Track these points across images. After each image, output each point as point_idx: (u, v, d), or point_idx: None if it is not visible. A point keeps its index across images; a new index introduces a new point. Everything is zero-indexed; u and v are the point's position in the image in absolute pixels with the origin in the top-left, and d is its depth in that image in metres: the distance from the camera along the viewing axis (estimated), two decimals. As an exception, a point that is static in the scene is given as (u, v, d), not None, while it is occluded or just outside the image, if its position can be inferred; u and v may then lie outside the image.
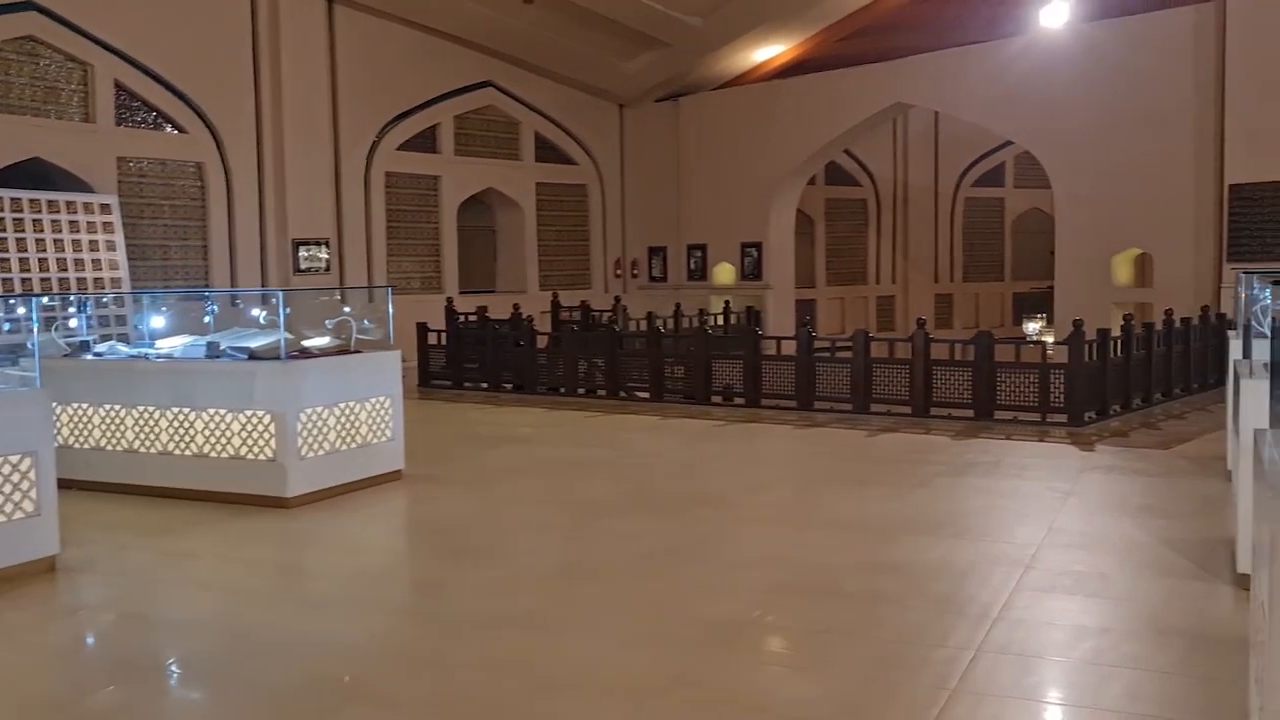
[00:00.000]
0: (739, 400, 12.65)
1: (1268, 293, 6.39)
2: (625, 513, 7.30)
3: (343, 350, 8.14)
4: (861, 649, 4.55)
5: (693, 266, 21.78)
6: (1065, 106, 16.08)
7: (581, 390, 13.93)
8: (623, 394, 13.51)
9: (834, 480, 8.48)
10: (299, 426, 7.46)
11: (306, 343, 8.05)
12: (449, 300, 16.74)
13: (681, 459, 9.66)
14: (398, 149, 19.03)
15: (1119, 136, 15.47)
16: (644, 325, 14.18)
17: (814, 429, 11.01)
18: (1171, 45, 15.09)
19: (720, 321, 18.34)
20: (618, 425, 11.69)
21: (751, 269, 20.81)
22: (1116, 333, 11.50)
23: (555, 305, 18.54)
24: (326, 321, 8.14)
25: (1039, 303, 21.06)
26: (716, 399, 12.86)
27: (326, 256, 17.80)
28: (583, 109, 21.71)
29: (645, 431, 11.25)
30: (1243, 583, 5.02)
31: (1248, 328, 6.56)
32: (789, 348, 12.56)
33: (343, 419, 7.83)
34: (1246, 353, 6.48)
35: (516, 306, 15.87)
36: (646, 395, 13.31)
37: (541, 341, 14.82)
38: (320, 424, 7.64)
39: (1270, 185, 13.90)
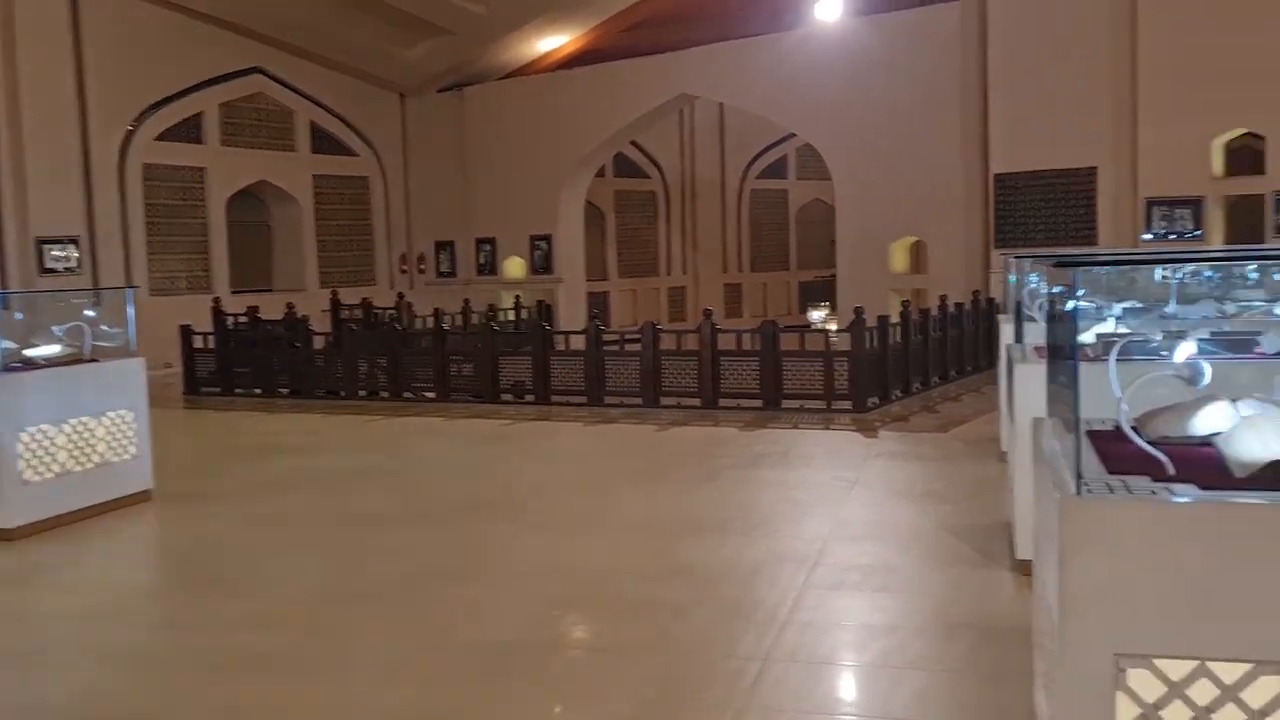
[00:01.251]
0: (529, 398, 12.27)
1: (1034, 277, 6.49)
2: (400, 525, 6.79)
3: (75, 360, 7.27)
4: (646, 667, 4.25)
5: (482, 261, 21.23)
6: (842, 99, 16.44)
7: (363, 393, 13.22)
8: (408, 395, 12.90)
9: (622, 479, 8.21)
10: (20, 448, 6.58)
11: (31, 352, 7.14)
12: (215, 300, 15.60)
13: (465, 463, 9.20)
14: (157, 139, 17.67)
15: (893, 128, 15.93)
16: (432, 323, 13.59)
17: (604, 425, 10.74)
18: (937, 40, 15.63)
19: (511, 317, 17.90)
20: (400, 429, 11.10)
21: (542, 262, 20.45)
22: (896, 319, 11.74)
23: (335, 304, 17.65)
24: (54, 328, 7.23)
25: (823, 291, 21.61)
26: (506, 397, 12.43)
27: (78, 256, 16.31)
28: (362, 98, 20.80)
29: (429, 435, 10.71)
30: (1022, 569, 5.00)
31: (1019, 312, 6.65)
32: (580, 342, 12.26)
33: (75, 437, 6.97)
34: (1019, 336, 6.56)
35: (290, 306, 14.94)
36: (433, 396, 12.74)
37: (320, 342, 14.00)
38: (47, 444, 6.77)
39: (1031, 174, 14.57)
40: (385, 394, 13.03)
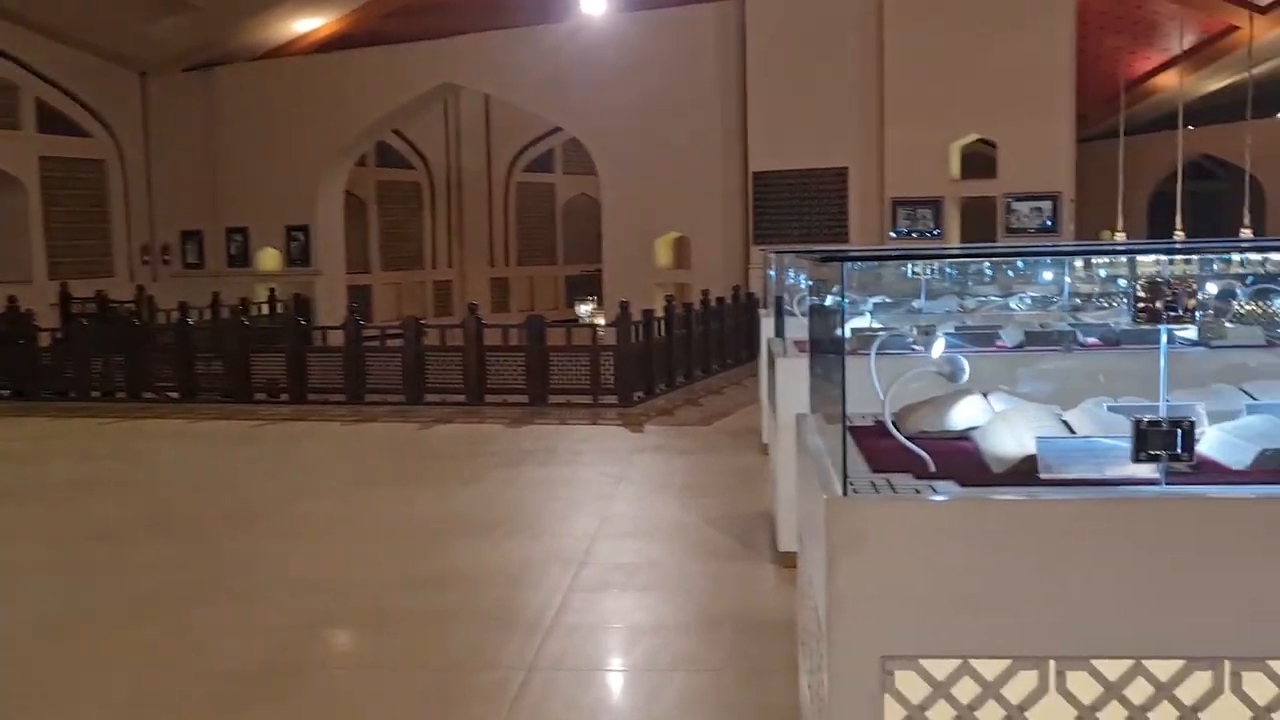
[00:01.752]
0: (284, 397, 11.62)
1: (793, 273, 6.61)
2: (133, 540, 6.21)
3: None
4: (403, 684, 4.00)
5: (233, 252, 20.06)
6: (608, 94, 16.48)
7: (97, 394, 12.16)
8: (149, 396, 11.96)
9: (383, 481, 7.85)
10: None
11: None
12: (-81, 294, 13.99)
13: (211, 468, 8.57)
14: None
15: (656, 124, 16.09)
16: (177, 317, 12.66)
17: (365, 425, 10.29)
18: (699, 38, 15.91)
19: (266, 311, 16.97)
20: (138, 432, 10.26)
21: (299, 254, 19.51)
22: (660, 313, 11.84)
23: (65, 296, 16.22)
24: None
25: (590, 285, 21.67)
26: (260, 397, 11.72)
27: None
28: (96, 75, 19.22)
29: (171, 438, 9.95)
30: (784, 560, 5.05)
31: (779, 307, 6.77)
32: (339, 338, 11.70)
33: None
34: (779, 331, 6.67)
35: (13, 299, 13.58)
36: (177, 396, 11.86)
37: (47, 339, 12.79)
38: None
39: (786, 173, 15.07)
40: (123, 395, 12.03)
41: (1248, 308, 6.14)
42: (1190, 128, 23.17)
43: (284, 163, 19.05)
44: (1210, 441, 2.69)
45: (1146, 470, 2.35)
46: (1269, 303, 5.91)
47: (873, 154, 14.78)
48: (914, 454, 2.61)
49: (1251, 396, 3.14)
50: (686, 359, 12.25)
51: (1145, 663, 2.26)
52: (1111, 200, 19.92)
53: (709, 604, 4.86)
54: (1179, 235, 19.38)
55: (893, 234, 14.59)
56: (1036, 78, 13.87)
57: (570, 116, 17.60)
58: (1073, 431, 2.68)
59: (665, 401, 11.08)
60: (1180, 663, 2.25)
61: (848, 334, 5.79)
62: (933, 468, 2.56)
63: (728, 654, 4.22)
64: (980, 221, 14.74)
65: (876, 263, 5.31)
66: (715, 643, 4.35)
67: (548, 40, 17.06)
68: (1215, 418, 3.00)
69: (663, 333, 11.75)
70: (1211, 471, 2.51)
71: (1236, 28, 21.37)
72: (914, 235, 14.64)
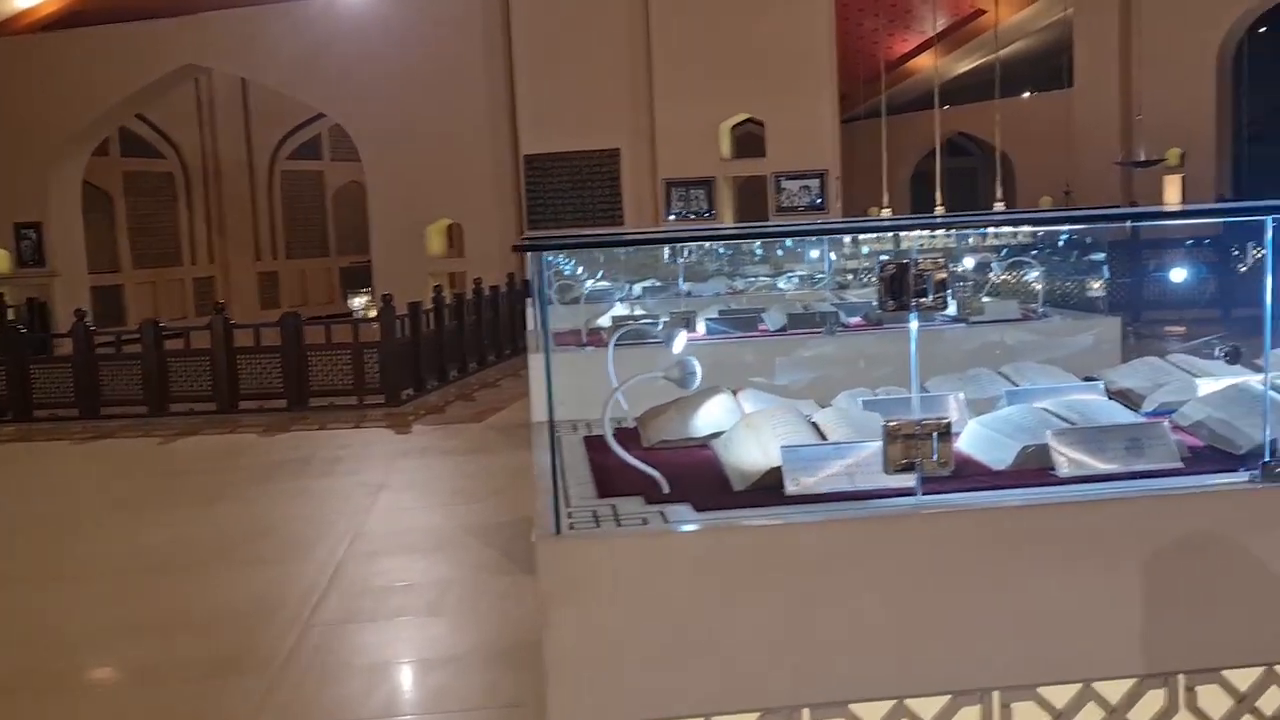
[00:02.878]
0: (8, 415, 10.36)
1: (549, 259, 6.21)
2: None
3: None
4: (89, 765, 3.37)
5: (-48, 253, 18.00)
6: (368, 75, 15.62)
7: None
8: None
9: (110, 507, 6.99)
10: None
11: None
12: None
13: (-97, 504, 7.45)
14: None
15: (422, 107, 15.36)
16: None
17: (98, 441, 9.27)
18: (462, 17, 15.27)
19: (-9, 318, 15.26)
20: None
21: (31, 254, 17.71)
22: (429, 305, 11.24)
23: None
24: None
25: (364, 277, 20.69)
26: (-24, 416, 10.42)
27: None
28: None
29: None
30: (547, 573, 4.64)
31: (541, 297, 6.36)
32: (68, 346, 10.53)
33: None
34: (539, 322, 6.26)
35: None
36: (-126, 420, 10.40)
37: None
38: None
39: (558, 156, 14.68)
40: None
41: (1002, 278, 6.16)
42: (946, 107, 24.24)
43: (7, 153, 17.21)
44: (970, 438, 2.44)
45: (901, 479, 2.06)
46: (1021, 274, 5.94)
47: (644, 135, 14.58)
48: (646, 473, 2.24)
49: (1011, 381, 2.94)
50: (459, 352, 11.69)
51: (907, 702, 1.97)
52: (877, 178, 20.56)
53: (466, 630, 4.41)
54: (940, 210, 20.20)
55: (671, 215, 14.46)
56: (799, 58, 13.99)
57: (328, 99, 16.61)
58: (822, 435, 2.38)
59: (437, 398, 10.51)
60: (945, 699, 1.97)
61: (603, 323, 5.45)
62: (666, 489, 2.20)
63: (484, 688, 3.79)
64: (753, 200, 14.80)
65: (567, 251, 4.93)
66: (470, 682, 3.90)
67: (300, 16, 16.01)
68: (975, 407, 2.77)
69: (432, 325, 11.16)
70: (973, 474, 2.25)
71: (983, 11, 22.42)
72: (691, 216, 14.56)
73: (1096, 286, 5.70)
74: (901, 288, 1.97)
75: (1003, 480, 2.19)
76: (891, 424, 2.00)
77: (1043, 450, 2.21)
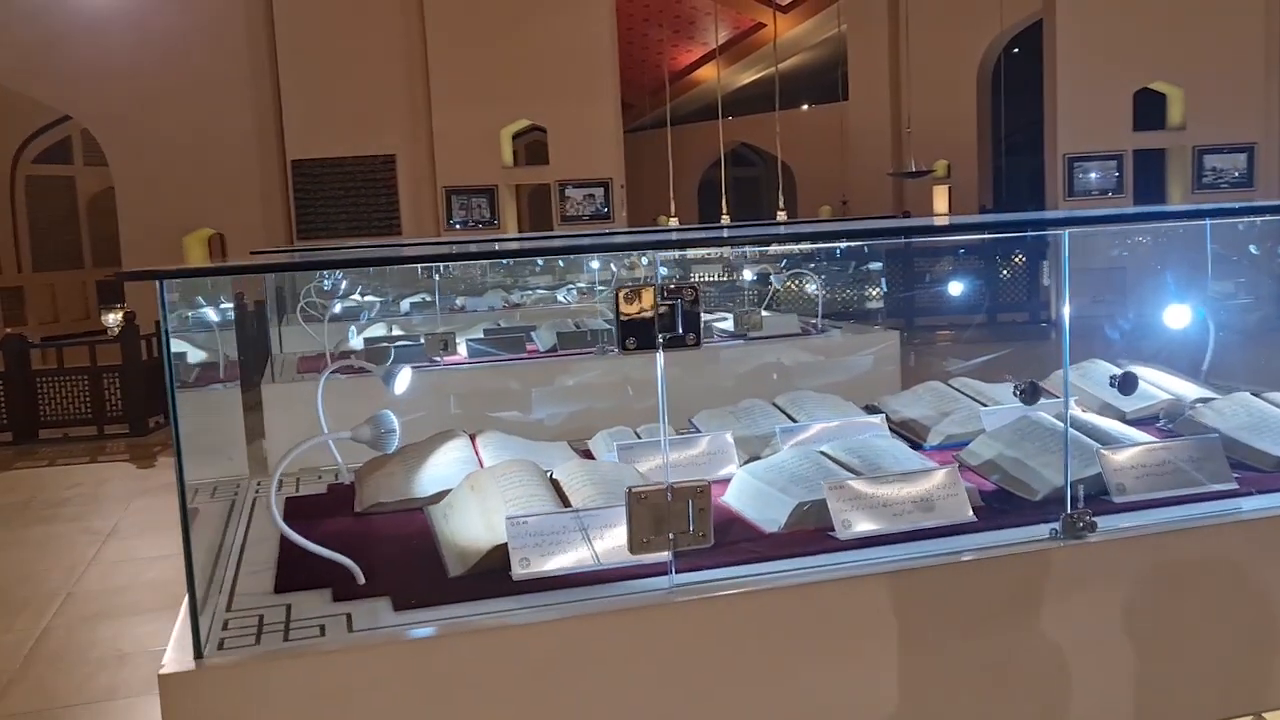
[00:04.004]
0: None
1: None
2: None
3: None
4: None
5: None
6: (115, 71, 14.30)
7: None
8: None
9: None
10: None
11: None
12: None
13: None
14: None
15: (179, 109, 14.17)
16: None
17: None
18: (221, 12, 14.20)
19: None
20: None
21: None
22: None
23: None
24: None
25: (121, 291, 19.06)
26: None
27: None
28: None
29: None
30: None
31: (165, 335, 5.73)
32: None
33: None
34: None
35: None
36: None
37: None
38: None
39: (330, 161, 13.84)
40: None
41: (784, 285, 5.96)
42: (730, 118, 24.61)
43: None
44: (739, 491, 2.08)
45: (653, 554, 1.67)
46: (802, 285, 5.76)
47: (422, 141, 13.92)
48: (338, 560, 1.76)
49: (787, 415, 2.61)
50: (219, 373, 10.73)
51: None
52: (665, 187, 20.58)
53: None
54: (725, 219, 20.40)
55: (458, 224, 13.85)
56: (582, 64, 13.69)
57: (67, 97, 15.13)
58: (564, 497, 1.96)
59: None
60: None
61: (356, 345, 4.89)
62: (362, 579, 1.73)
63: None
64: (540, 209, 14.40)
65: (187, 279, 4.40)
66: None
67: (33, 7, 14.51)
68: (747, 447, 2.42)
69: (186, 345, 10.18)
70: (740, 539, 1.88)
71: (763, 25, 22.86)
72: (472, 225, 14.01)
73: (874, 295, 5.56)
74: (642, 321, 1.57)
75: (774, 547, 1.83)
76: (637, 491, 1.60)
77: (820, 507, 1.87)
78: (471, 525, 1.83)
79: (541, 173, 14.14)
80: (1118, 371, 2.81)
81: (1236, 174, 12.69)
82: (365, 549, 1.85)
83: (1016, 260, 13.40)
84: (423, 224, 13.93)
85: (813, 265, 5.71)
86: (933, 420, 2.57)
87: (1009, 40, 19.37)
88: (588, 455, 2.48)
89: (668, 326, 1.59)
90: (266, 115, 14.19)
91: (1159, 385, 2.77)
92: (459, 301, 7.45)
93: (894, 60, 20.53)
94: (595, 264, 8.09)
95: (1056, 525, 1.80)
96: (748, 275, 5.53)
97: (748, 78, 26.05)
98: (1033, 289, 13.38)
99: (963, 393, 2.72)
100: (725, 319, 4.92)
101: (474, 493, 1.92)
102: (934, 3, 19.19)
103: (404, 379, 2.33)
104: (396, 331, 5.22)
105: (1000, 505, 2.00)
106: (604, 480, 1.95)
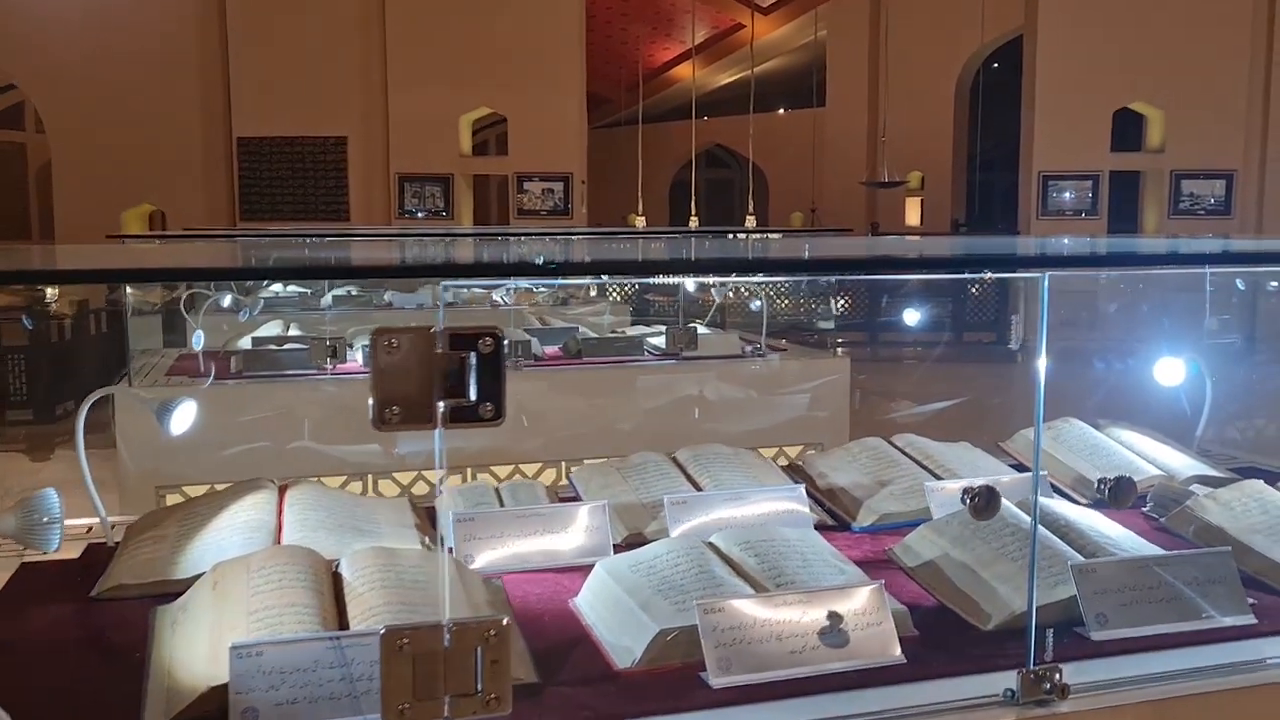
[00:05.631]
0: None
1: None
2: None
3: None
4: None
5: None
6: (61, 39, 13.60)
7: None
8: None
9: None
10: None
11: None
12: None
13: None
14: None
15: (122, 79, 13.50)
16: None
17: None
18: (172, -20, 13.54)
19: None
20: None
21: None
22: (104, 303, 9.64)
23: None
24: None
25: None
26: None
27: None
28: None
29: None
30: None
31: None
32: None
33: None
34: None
35: None
36: None
37: None
38: None
39: (277, 140, 13.21)
40: None
41: (726, 297, 5.45)
42: (705, 118, 24.15)
43: None
44: (592, 598, 1.55)
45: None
46: (746, 298, 5.26)
47: (377, 123, 13.32)
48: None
49: (688, 476, 2.08)
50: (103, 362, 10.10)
51: None
52: (635, 186, 20.06)
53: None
54: (693, 221, 19.93)
55: (420, 214, 13.28)
56: (547, 55, 13.14)
57: (7, 60, 14.41)
58: (341, 610, 1.43)
59: (106, 415, 8.94)
60: None
61: (244, 344, 4.33)
62: (5, 733, 1.19)
63: None
64: (496, 201, 13.85)
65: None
66: None
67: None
68: (629, 519, 1.90)
69: (105, 325, 9.56)
70: (580, 676, 1.36)
71: (743, 25, 22.39)
72: (424, 215, 13.44)
73: (831, 311, 5.06)
74: (410, 380, 1.05)
75: (620, 697, 1.31)
76: (394, 633, 1.07)
77: (691, 637, 1.35)
78: (196, 646, 1.30)
79: (500, 163, 13.59)
80: (1099, 436, 2.31)
81: (1213, 200, 12.33)
82: (54, 669, 1.32)
83: (986, 278, 12.96)
84: (373, 211, 13.34)
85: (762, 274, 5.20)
86: (866, 492, 2.06)
87: (989, 55, 19.01)
88: (432, 518, 1.96)
89: (454, 389, 1.07)
90: (214, 89, 13.54)
91: (1143, 454, 2.28)
92: (386, 297, 6.91)
93: (873, 69, 20.12)
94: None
95: (1014, 684, 1.29)
96: (689, 285, 5.01)
97: (725, 79, 25.57)
98: (1001, 306, 12.94)
99: (907, 454, 2.21)
100: (659, 333, 4.41)
101: (214, 593, 1.39)
102: (915, 13, 18.79)
103: (183, 416, 1.79)
104: (294, 331, 4.65)
105: (940, 635, 1.49)
106: (401, 583, 1.42)
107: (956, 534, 1.68)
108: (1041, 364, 1.33)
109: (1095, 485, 1.60)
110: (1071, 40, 12.21)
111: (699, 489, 2.02)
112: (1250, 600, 1.54)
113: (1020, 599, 1.50)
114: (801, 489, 1.97)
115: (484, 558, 1.75)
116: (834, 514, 2.04)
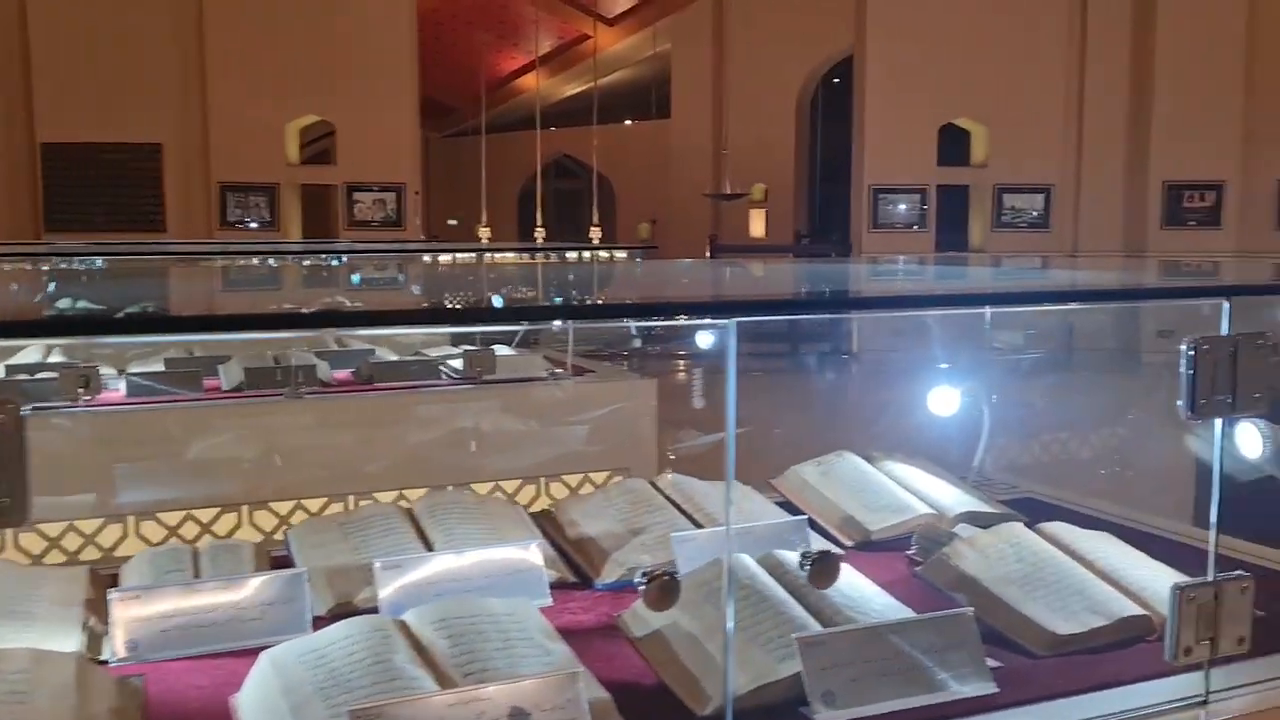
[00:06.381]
0: None
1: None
2: None
3: None
4: None
5: None
6: None
7: None
8: None
9: None
10: None
11: None
12: None
13: None
14: None
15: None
16: None
17: None
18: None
19: None
20: None
21: None
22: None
23: None
24: None
25: None
26: None
27: None
28: None
29: None
30: None
31: None
32: None
33: None
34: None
35: None
36: None
37: None
38: None
39: (86, 147, 12.41)
40: None
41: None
42: (553, 128, 23.98)
43: None
44: (252, 695, 1.32)
45: None
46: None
47: (195, 129, 12.66)
48: None
49: (422, 535, 1.86)
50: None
51: None
52: (481, 196, 19.70)
53: None
54: (540, 233, 19.73)
55: (254, 223, 12.66)
56: (378, 61, 12.71)
57: None
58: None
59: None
60: None
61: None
62: None
63: None
64: (324, 211, 13.34)
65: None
66: None
67: None
68: (343, 582, 1.68)
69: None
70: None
71: (588, 36, 22.31)
72: (257, 225, 12.84)
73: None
74: None
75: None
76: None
77: (347, 749, 1.14)
78: None
79: (330, 173, 13.10)
80: (871, 471, 2.19)
81: (1034, 214, 12.78)
82: None
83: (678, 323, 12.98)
84: (193, 221, 12.67)
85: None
86: (617, 542, 1.88)
87: (829, 69, 19.40)
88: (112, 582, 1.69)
89: None
90: (14, 90, 12.63)
91: (914, 489, 2.16)
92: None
93: (717, 81, 20.29)
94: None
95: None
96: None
97: (572, 89, 25.46)
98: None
99: (668, 496, 2.05)
100: (458, 355, 4.17)
101: None
102: (757, 28, 19.04)
103: None
104: (55, 359, 4.23)
105: (653, 722, 1.32)
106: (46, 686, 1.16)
107: (688, 596, 1.51)
108: (731, 416, 1.17)
109: (799, 561, 1.45)
110: (898, 58, 12.48)
111: (429, 547, 1.81)
112: (995, 664, 1.42)
113: (747, 675, 1.34)
114: (535, 544, 1.77)
115: (149, 642, 1.50)
116: (579, 569, 1.86)
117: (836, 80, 19.72)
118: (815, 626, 1.41)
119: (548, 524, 2.00)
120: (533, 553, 1.74)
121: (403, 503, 2.01)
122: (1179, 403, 1.31)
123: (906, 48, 12.42)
